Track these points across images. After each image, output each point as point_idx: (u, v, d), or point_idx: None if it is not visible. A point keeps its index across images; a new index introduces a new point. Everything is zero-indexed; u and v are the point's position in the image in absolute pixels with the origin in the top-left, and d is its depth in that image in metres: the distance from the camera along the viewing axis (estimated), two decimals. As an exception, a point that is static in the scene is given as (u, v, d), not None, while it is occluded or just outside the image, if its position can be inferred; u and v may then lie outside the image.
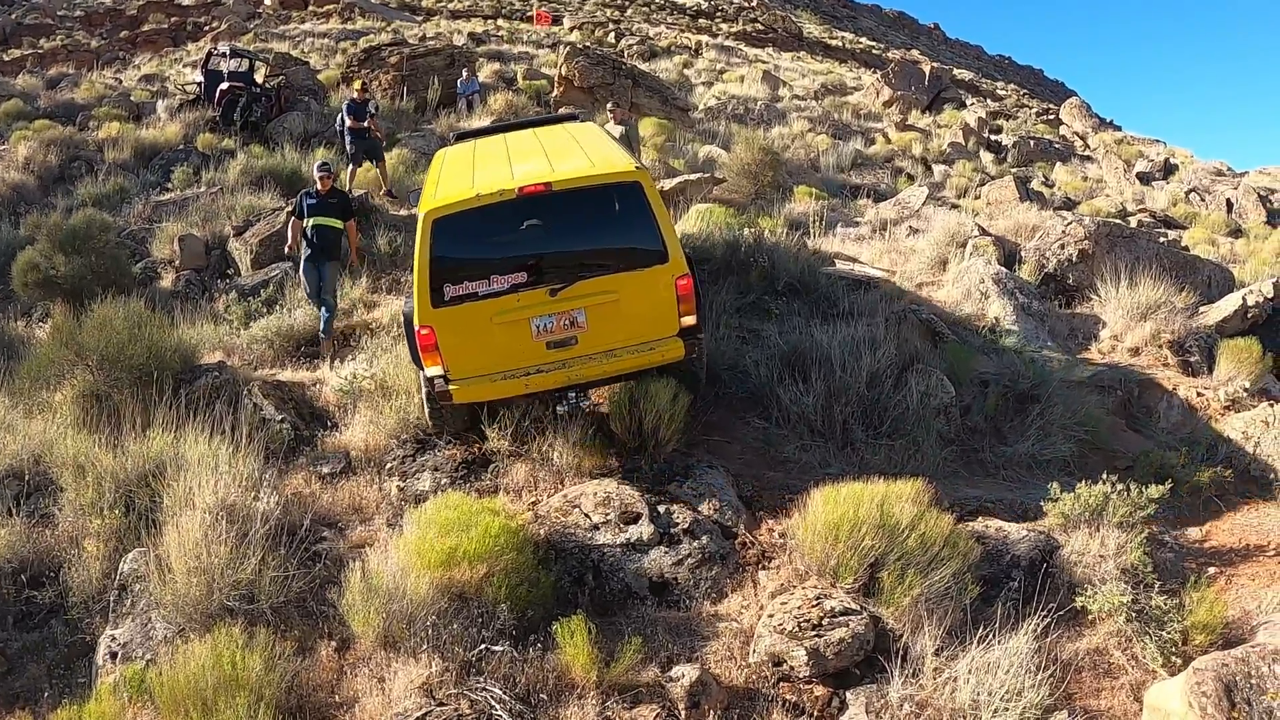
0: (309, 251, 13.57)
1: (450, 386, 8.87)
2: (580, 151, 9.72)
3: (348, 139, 19.78)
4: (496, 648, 6.93)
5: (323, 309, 13.51)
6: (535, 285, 8.66)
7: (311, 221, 13.60)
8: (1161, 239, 18.88)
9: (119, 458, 8.93)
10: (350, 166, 19.96)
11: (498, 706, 6.40)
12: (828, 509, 7.44)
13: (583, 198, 8.80)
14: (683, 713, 6.49)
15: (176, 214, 19.37)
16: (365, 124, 19.64)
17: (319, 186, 13.79)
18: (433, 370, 8.85)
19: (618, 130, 18.37)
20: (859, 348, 10.60)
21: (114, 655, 7.36)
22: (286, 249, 14.59)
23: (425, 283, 8.61)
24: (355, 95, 20.19)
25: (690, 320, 8.92)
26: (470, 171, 9.71)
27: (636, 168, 8.93)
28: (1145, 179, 36.74)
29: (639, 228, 8.76)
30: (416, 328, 8.77)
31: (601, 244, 9.06)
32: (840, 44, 75.37)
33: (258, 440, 9.27)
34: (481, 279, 8.63)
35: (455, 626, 6.99)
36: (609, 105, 20.24)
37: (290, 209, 15.23)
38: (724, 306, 12.66)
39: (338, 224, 13.82)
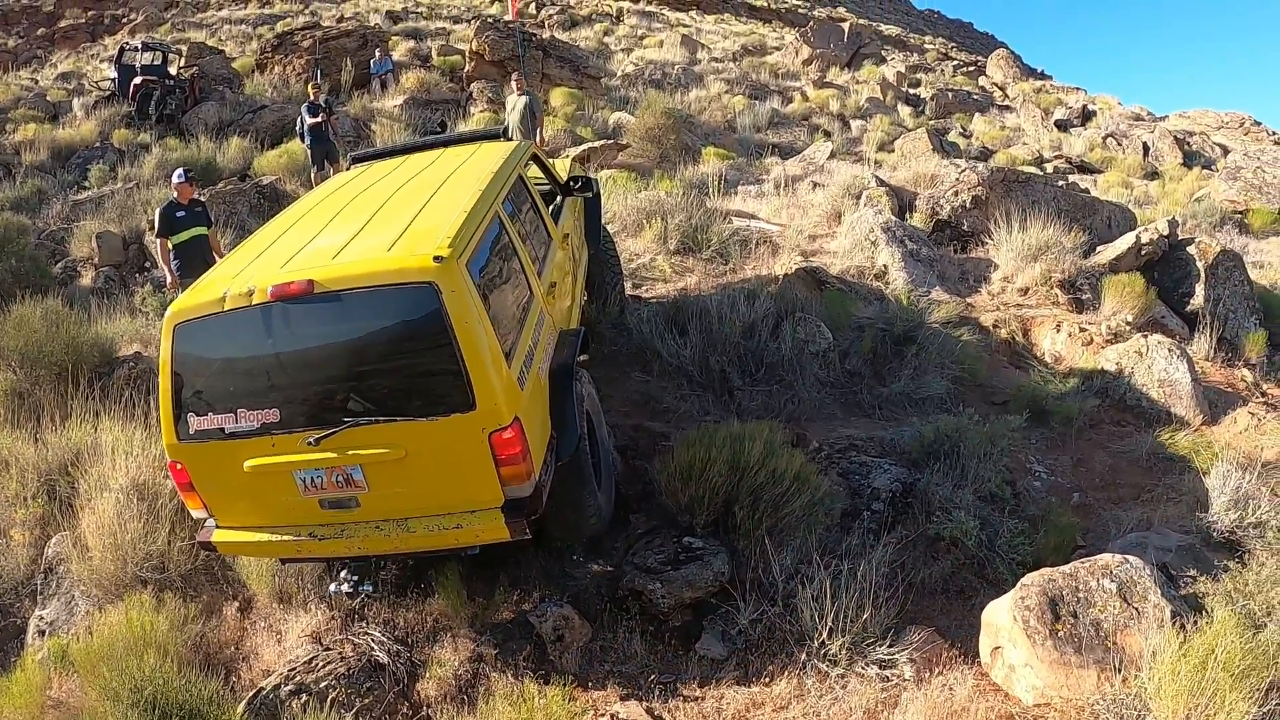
0: (183, 267, 11.95)
1: (215, 537, 6.80)
2: (411, 213, 7.07)
3: (308, 139, 19.73)
4: (376, 594, 7.36)
5: None
6: (290, 428, 6.23)
7: (188, 234, 12.18)
8: (1061, 182, 19.22)
9: (40, 450, 9.22)
10: (314, 169, 19.82)
11: (377, 648, 6.86)
12: (682, 451, 7.70)
13: (357, 305, 6.12)
14: (548, 645, 6.84)
15: (94, 212, 19.28)
16: (321, 120, 19.52)
17: (178, 195, 12.33)
18: (197, 512, 6.87)
19: (521, 101, 18.48)
20: (735, 299, 10.84)
21: (42, 633, 7.82)
22: (169, 287, 12.44)
23: (168, 408, 6.44)
24: (311, 96, 20.15)
25: (521, 489, 6.31)
26: (276, 237, 7.30)
27: (435, 260, 6.02)
28: (1063, 126, 37.29)
29: (432, 355, 6.07)
30: (168, 460, 6.66)
31: (377, 376, 6.23)
32: (765, 4, 75.15)
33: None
34: (227, 413, 6.31)
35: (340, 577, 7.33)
36: (513, 77, 20.26)
37: (153, 230, 12.82)
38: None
39: (205, 231, 12.42)
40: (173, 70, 28.33)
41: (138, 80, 26.64)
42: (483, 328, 6.12)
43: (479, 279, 6.42)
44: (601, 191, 11.51)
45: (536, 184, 9.52)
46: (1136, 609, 6.03)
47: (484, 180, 7.66)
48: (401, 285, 6.02)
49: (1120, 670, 5.73)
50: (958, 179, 16.06)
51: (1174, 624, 5.79)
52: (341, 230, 6.99)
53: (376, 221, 7.06)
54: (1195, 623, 5.77)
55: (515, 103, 18.75)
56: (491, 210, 7.21)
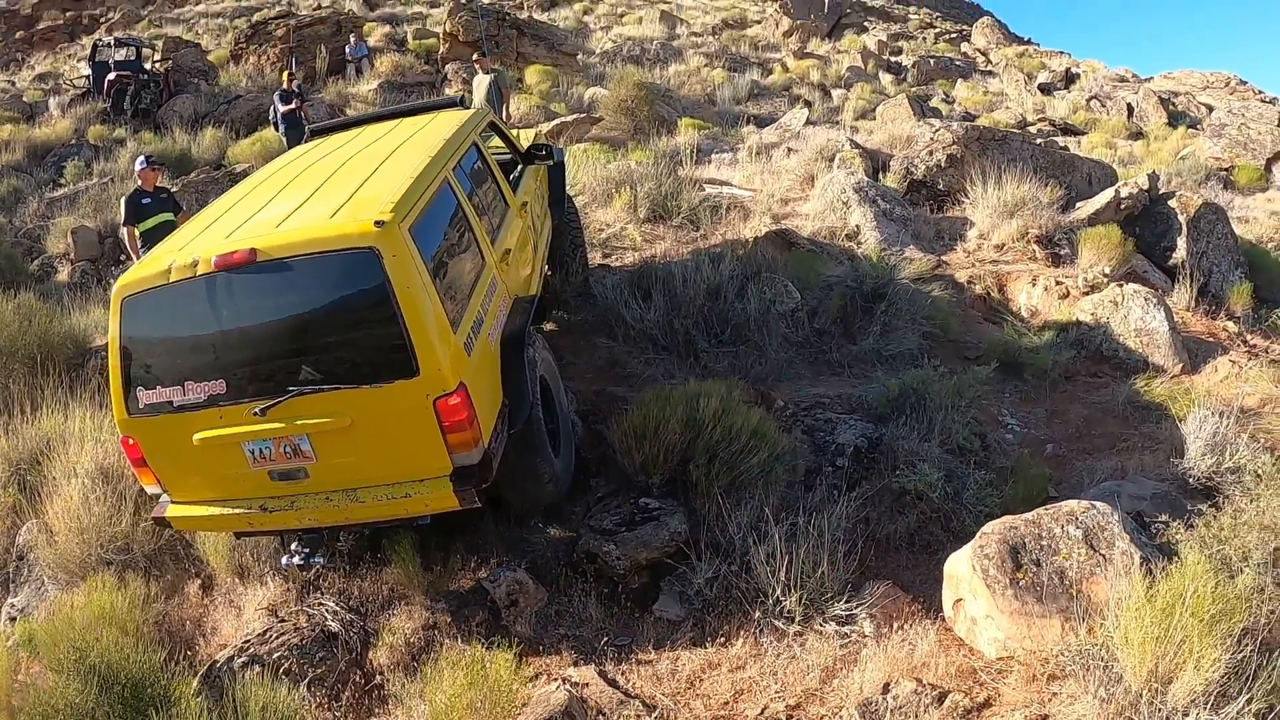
0: None
1: (168, 512, 6.75)
2: (358, 181, 6.93)
3: (282, 127, 19.74)
4: (329, 566, 7.41)
5: None
6: (237, 399, 6.16)
7: (154, 220, 12.14)
8: (1039, 141, 19.01)
9: (11, 440, 9.32)
10: None
11: (330, 618, 6.82)
12: (637, 411, 7.56)
13: (300, 273, 6.07)
14: (503, 610, 6.77)
15: (69, 208, 19.34)
16: (294, 106, 19.55)
17: (142, 182, 12.54)
18: (151, 488, 6.85)
19: (486, 80, 18.29)
20: (700, 262, 10.69)
21: (13, 620, 7.89)
22: None
23: (118, 382, 6.42)
24: (284, 84, 20.18)
25: (469, 456, 6.18)
26: (226, 210, 7.23)
27: (376, 224, 5.95)
28: (1047, 90, 37.10)
29: (374, 321, 5.99)
30: (120, 435, 6.67)
31: (319, 345, 6.14)
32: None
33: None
34: (175, 385, 6.26)
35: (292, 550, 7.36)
36: (475, 57, 20.10)
37: (121, 219, 12.79)
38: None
39: (173, 218, 12.18)
40: (147, 65, 28.35)
41: (111, 76, 26.70)
42: (427, 293, 6.06)
43: (424, 244, 6.33)
44: (566, 161, 11.37)
45: (496, 154, 9.39)
46: (1104, 556, 5.78)
47: (435, 147, 7.54)
48: (343, 251, 5.96)
49: (1085, 620, 5.49)
50: (932, 138, 15.89)
51: (1142, 570, 5.52)
52: (289, 200, 6.90)
53: (324, 190, 6.95)
54: (1165, 569, 5.47)
55: (481, 81, 18.59)
56: (440, 176, 7.12)
